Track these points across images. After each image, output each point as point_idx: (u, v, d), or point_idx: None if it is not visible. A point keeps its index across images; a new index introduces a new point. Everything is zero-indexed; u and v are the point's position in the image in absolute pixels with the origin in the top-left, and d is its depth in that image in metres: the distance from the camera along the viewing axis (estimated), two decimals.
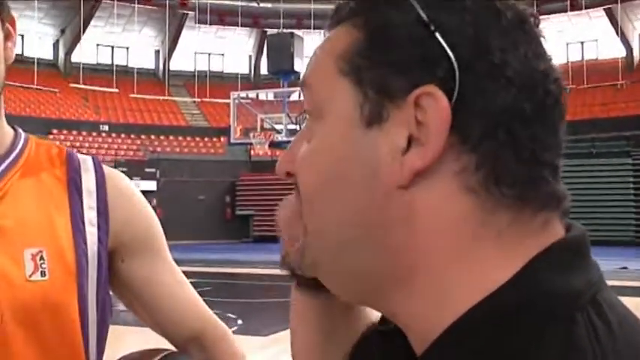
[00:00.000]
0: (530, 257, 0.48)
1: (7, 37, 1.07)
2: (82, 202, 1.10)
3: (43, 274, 1.02)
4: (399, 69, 0.49)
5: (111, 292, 1.17)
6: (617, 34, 33.46)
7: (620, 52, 33.61)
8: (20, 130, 1.15)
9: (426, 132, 0.48)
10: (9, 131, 1.12)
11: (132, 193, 1.20)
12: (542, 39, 0.53)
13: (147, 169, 30.44)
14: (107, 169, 1.17)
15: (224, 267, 17.69)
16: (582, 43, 34.93)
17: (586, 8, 32.68)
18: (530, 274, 0.47)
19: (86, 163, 1.15)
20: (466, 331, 0.47)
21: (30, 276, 1.01)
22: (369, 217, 0.50)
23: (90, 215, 1.10)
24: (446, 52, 0.48)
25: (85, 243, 1.08)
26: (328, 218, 0.53)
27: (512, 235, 0.48)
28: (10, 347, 0.99)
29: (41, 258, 1.03)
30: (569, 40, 34.00)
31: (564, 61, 33.07)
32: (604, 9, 33.55)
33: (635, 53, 34.15)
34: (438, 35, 0.48)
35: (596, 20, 34.33)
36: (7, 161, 1.08)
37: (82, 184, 1.12)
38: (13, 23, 1.09)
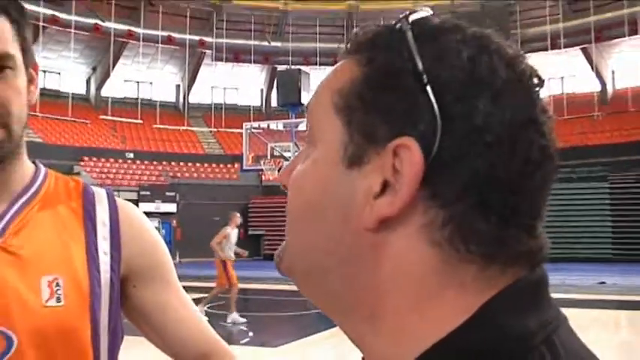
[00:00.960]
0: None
1: (31, 81, 1.05)
2: (96, 233, 1.08)
3: (58, 300, 1.00)
4: (385, 116, 0.46)
5: (124, 318, 1.14)
6: (592, 70, 33.97)
7: (595, 86, 34.15)
8: (41, 165, 1.13)
9: (399, 180, 0.45)
10: (30, 166, 1.10)
11: (142, 224, 1.18)
12: (539, 100, 0.48)
13: (168, 193, 30.44)
14: (120, 202, 1.15)
15: (239, 283, 17.60)
16: (562, 78, 35.20)
17: (565, 47, 32.97)
18: (483, 316, 0.44)
19: (100, 195, 1.13)
20: None
21: (46, 302, 0.99)
22: (338, 250, 0.49)
23: (103, 245, 1.08)
24: (432, 107, 0.45)
25: (99, 271, 1.06)
26: (303, 239, 0.52)
27: (477, 286, 0.45)
28: None
29: (57, 285, 1.00)
30: (551, 75, 34.14)
31: (547, 94, 32.77)
32: (580, 48, 34.15)
33: (609, 88, 34.63)
34: (428, 89, 0.45)
35: (573, 58, 34.78)
36: (27, 195, 1.06)
37: (97, 215, 1.10)
38: (35, 68, 1.08)
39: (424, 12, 0.50)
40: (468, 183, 0.44)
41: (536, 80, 0.48)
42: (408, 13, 0.50)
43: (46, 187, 1.09)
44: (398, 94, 0.46)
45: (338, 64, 0.54)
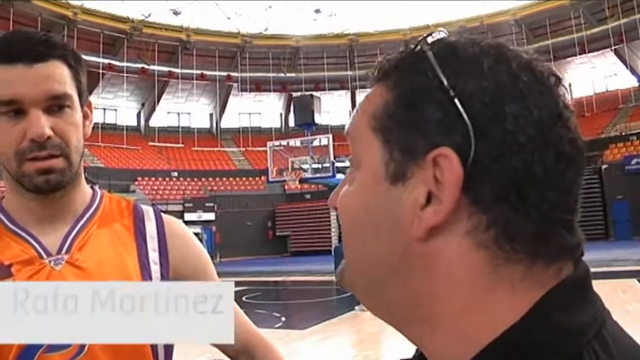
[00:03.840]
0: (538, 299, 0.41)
1: (86, 117, 1.03)
2: (146, 245, 1.05)
3: None
4: (421, 131, 0.43)
5: None
6: (627, 67, 32.59)
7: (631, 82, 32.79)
8: (97, 188, 1.11)
9: (442, 189, 0.41)
10: (88, 190, 1.08)
11: (186, 235, 1.14)
12: (559, 98, 0.44)
13: (207, 204, 30.56)
14: (165, 217, 1.12)
15: (269, 276, 17.58)
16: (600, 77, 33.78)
17: (590, 52, 32.07)
18: (537, 314, 0.40)
19: (149, 213, 1.10)
20: None
21: None
22: (392, 261, 0.45)
23: (153, 256, 1.05)
24: (463, 117, 0.41)
25: (151, 278, 1.02)
26: (360, 256, 0.47)
27: (525, 285, 0.41)
28: None
29: None
30: (591, 76, 33.41)
31: (592, 92, 32.68)
32: (612, 49, 32.69)
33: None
34: (457, 102, 0.42)
35: (609, 57, 33.49)
36: (87, 215, 1.04)
37: (146, 230, 1.07)
38: (90, 107, 1.06)
39: (441, 33, 0.47)
40: (507, 184, 0.40)
41: (553, 79, 0.44)
42: (425, 35, 0.47)
43: (102, 208, 1.07)
44: (429, 110, 0.42)
45: (369, 92, 0.50)
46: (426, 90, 0.43)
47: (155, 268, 1.04)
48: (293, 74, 38.68)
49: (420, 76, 0.44)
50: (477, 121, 0.41)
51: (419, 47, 0.46)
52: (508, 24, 34.18)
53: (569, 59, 33.69)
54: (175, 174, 33.39)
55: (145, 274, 1.02)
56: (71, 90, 0.97)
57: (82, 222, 1.02)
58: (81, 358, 0.91)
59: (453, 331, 0.43)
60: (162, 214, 1.12)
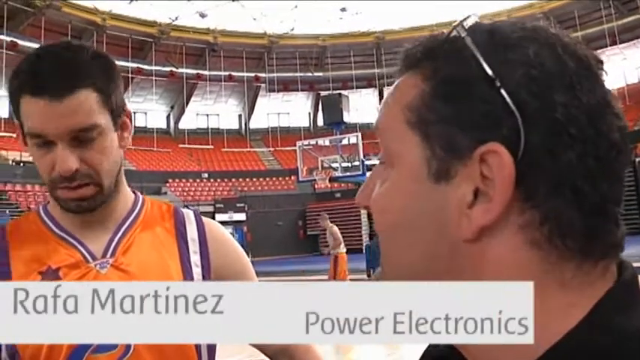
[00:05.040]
0: (594, 301, 0.39)
1: (124, 128, 1.02)
2: (187, 248, 1.06)
3: None
4: (464, 125, 0.39)
5: None
6: None
7: None
8: (139, 193, 1.13)
9: (491, 186, 0.39)
10: (130, 195, 1.10)
11: (226, 237, 1.16)
12: (605, 83, 0.41)
13: (237, 204, 30.80)
14: (205, 220, 1.14)
15: (301, 275, 17.63)
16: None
17: (621, 43, 31.54)
18: (597, 317, 0.38)
19: (189, 216, 1.12)
20: None
21: None
22: (437, 264, 0.42)
23: (194, 258, 1.06)
24: (510, 109, 0.38)
25: (192, 280, 1.04)
26: (400, 260, 0.44)
27: (575, 284, 0.39)
28: None
29: None
30: (622, 67, 32.58)
31: (624, 84, 32.06)
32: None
33: None
34: (503, 92, 0.38)
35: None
36: (130, 219, 1.06)
37: (187, 233, 1.08)
38: (129, 115, 1.04)
39: (474, 17, 0.43)
40: (560, 177, 0.38)
41: (597, 64, 0.41)
42: (461, 20, 0.43)
43: (144, 212, 1.08)
44: (472, 102, 0.39)
45: (399, 81, 0.46)
46: (467, 80, 0.40)
47: (197, 271, 1.05)
48: (320, 73, 38.69)
49: (459, 64, 0.40)
50: (525, 113, 0.38)
51: (455, 33, 0.42)
52: (536, 17, 33.56)
53: (599, 51, 32.85)
54: (206, 175, 33.75)
55: (187, 277, 1.03)
56: (100, 117, 0.94)
57: (125, 226, 1.04)
58: (127, 359, 0.93)
59: None
60: (203, 217, 1.14)
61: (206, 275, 1.06)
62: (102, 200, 0.99)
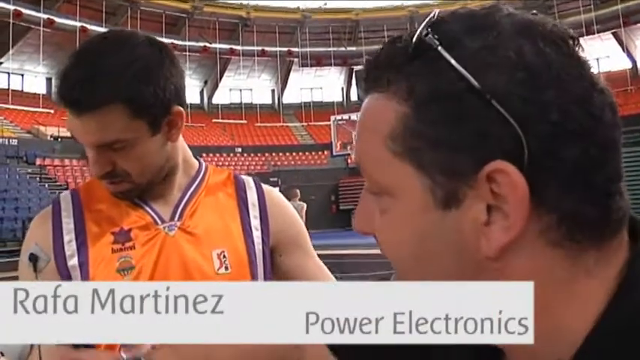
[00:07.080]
0: (617, 277, 0.39)
1: (173, 126, 1.01)
2: (248, 213, 1.12)
3: (226, 268, 1.04)
4: (460, 147, 0.36)
5: None
6: (623, 51, 32.63)
7: (626, 64, 32.90)
8: (202, 161, 1.19)
9: (503, 201, 0.37)
10: (195, 163, 1.15)
11: (284, 204, 1.21)
12: (583, 58, 0.39)
13: (271, 179, 30.85)
14: (265, 187, 1.19)
15: (334, 249, 17.75)
16: (597, 59, 33.40)
17: (597, 32, 31.27)
18: (626, 293, 0.38)
19: (249, 182, 1.17)
20: (593, 353, 0.37)
21: (218, 270, 1.04)
22: None
23: (255, 222, 1.12)
24: (506, 120, 0.35)
25: (253, 243, 1.10)
26: None
27: (599, 266, 0.39)
28: None
29: (224, 256, 1.05)
30: (588, 57, 32.69)
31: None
32: (611, 33, 32.58)
33: (639, 65, 33.26)
34: (496, 105, 0.35)
35: (606, 42, 33.11)
36: (194, 185, 1.12)
37: (248, 199, 1.14)
38: (179, 114, 1.02)
39: (435, 15, 0.40)
40: (568, 175, 0.36)
41: (573, 42, 0.39)
42: (425, 23, 0.38)
43: (207, 178, 1.14)
44: (463, 120, 0.36)
45: (368, 104, 0.41)
46: (450, 96, 0.36)
47: (257, 234, 1.11)
48: (353, 48, 38.23)
49: (436, 78, 0.37)
50: (520, 120, 0.35)
51: (421, 39, 0.38)
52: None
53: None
54: (239, 150, 33.98)
55: (248, 240, 1.09)
56: (128, 131, 0.93)
57: (189, 191, 1.10)
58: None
59: (541, 333, 0.39)
60: (262, 184, 1.20)
61: (265, 239, 1.12)
62: (142, 189, 1.03)
